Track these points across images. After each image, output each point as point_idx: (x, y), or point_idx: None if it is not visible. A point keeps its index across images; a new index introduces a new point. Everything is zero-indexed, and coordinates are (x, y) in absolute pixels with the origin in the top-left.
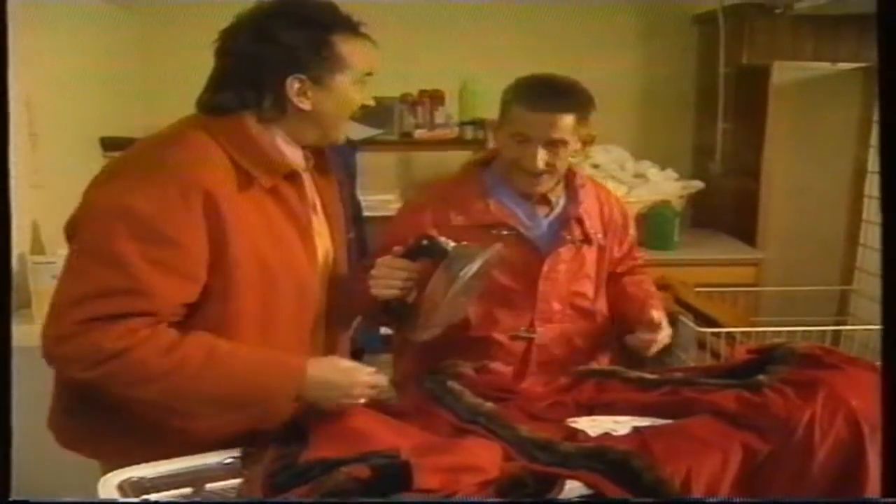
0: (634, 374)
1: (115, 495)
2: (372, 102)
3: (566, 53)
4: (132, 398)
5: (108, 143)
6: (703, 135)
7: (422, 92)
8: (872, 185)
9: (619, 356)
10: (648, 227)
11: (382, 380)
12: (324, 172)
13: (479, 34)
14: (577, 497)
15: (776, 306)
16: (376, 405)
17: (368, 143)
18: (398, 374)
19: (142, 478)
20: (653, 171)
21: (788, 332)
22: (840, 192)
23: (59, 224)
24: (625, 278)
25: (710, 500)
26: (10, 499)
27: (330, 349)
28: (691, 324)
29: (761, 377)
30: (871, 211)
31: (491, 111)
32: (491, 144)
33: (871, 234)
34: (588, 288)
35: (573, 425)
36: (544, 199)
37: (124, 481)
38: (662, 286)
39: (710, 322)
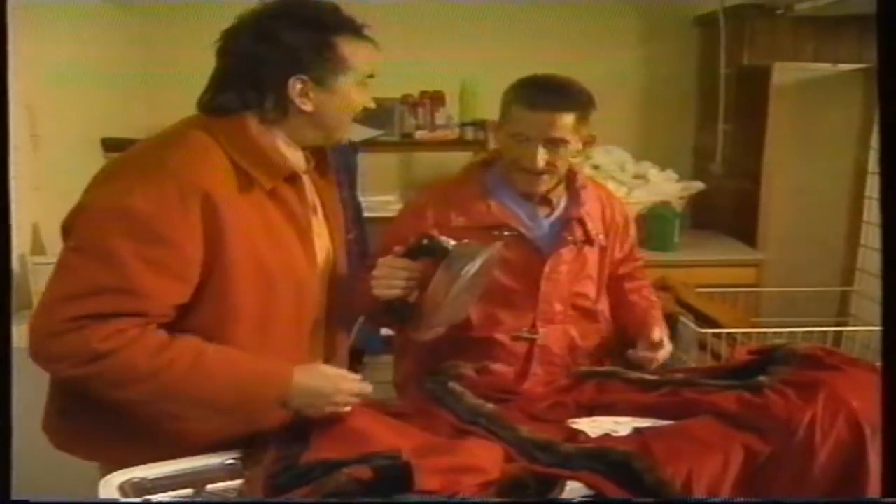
0: (635, 374)
1: (116, 496)
2: (373, 104)
3: (567, 54)
4: (116, 399)
5: (110, 144)
6: (703, 136)
7: (422, 93)
8: (873, 186)
9: (619, 357)
10: (649, 228)
11: (367, 388)
12: (324, 174)
13: (480, 35)
14: (578, 498)
15: (777, 307)
16: (377, 406)
17: (369, 144)
18: (399, 375)
19: (142, 479)
20: (653, 172)
21: (789, 332)
22: (841, 193)
23: (59, 225)
24: (626, 284)
25: (712, 500)
26: (10, 499)
27: (330, 351)
28: (692, 325)
29: (762, 378)
30: (872, 212)
31: (491, 112)
32: (491, 145)
33: (872, 235)
34: (590, 289)
35: (574, 426)
36: (546, 200)
37: (125, 482)
38: (663, 287)
39: (711, 323)
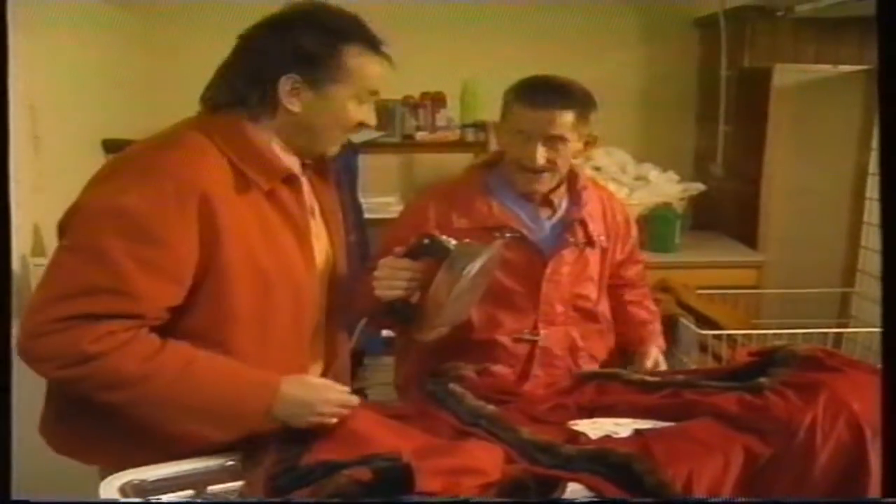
0: (636, 376)
1: (117, 498)
2: (373, 122)
3: (567, 55)
4: (103, 401)
5: (111, 146)
6: (704, 137)
7: (423, 94)
8: (874, 188)
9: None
10: (650, 230)
11: (353, 400)
12: (323, 176)
13: (481, 36)
14: (579, 499)
15: (777, 308)
16: (377, 408)
17: (370, 146)
18: (400, 376)
19: (143, 480)
20: (654, 174)
21: (790, 334)
22: (841, 194)
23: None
24: (627, 295)
25: (712, 500)
26: (10, 499)
27: (331, 353)
28: (692, 326)
29: (763, 380)
30: (873, 213)
31: (492, 114)
32: (492, 147)
33: (873, 236)
34: (591, 290)
35: (574, 428)
36: (547, 202)
37: (126, 484)
38: (664, 288)
39: (712, 324)
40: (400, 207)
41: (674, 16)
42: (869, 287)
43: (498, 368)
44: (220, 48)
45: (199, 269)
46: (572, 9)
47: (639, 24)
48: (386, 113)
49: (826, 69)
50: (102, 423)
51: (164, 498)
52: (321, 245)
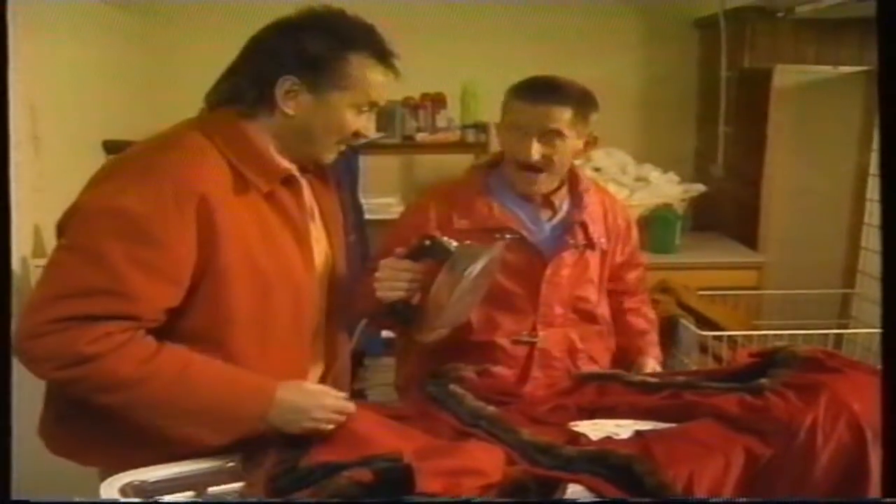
0: (636, 377)
1: (117, 498)
2: (370, 133)
3: (568, 56)
4: (98, 403)
5: (111, 147)
6: (704, 138)
7: (423, 95)
8: (874, 188)
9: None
10: (650, 231)
11: (350, 406)
12: (323, 178)
13: (481, 38)
14: (580, 500)
15: (778, 309)
16: (378, 408)
17: (370, 147)
18: (400, 377)
19: (143, 481)
20: (654, 175)
21: (790, 335)
22: (842, 195)
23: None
24: (625, 303)
25: (713, 500)
26: (10, 499)
27: (331, 354)
28: (693, 327)
29: (763, 381)
30: (873, 214)
31: (493, 114)
32: (493, 147)
33: (873, 237)
34: (591, 292)
35: (575, 429)
36: (548, 203)
37: (126, 485)
38: (664, 289)
39: (712, 325)
40: (400, 208)
41: (674, 16)
42: (869, 288)
43: (498, 370)
44: (219, 49)
45: (197, 271)
46: (572, 10)
47: (639, 25)
48: (386, 114)
49: (826, 70)
50: (101, 425)
51: (165, 499)
52: (321, 247)
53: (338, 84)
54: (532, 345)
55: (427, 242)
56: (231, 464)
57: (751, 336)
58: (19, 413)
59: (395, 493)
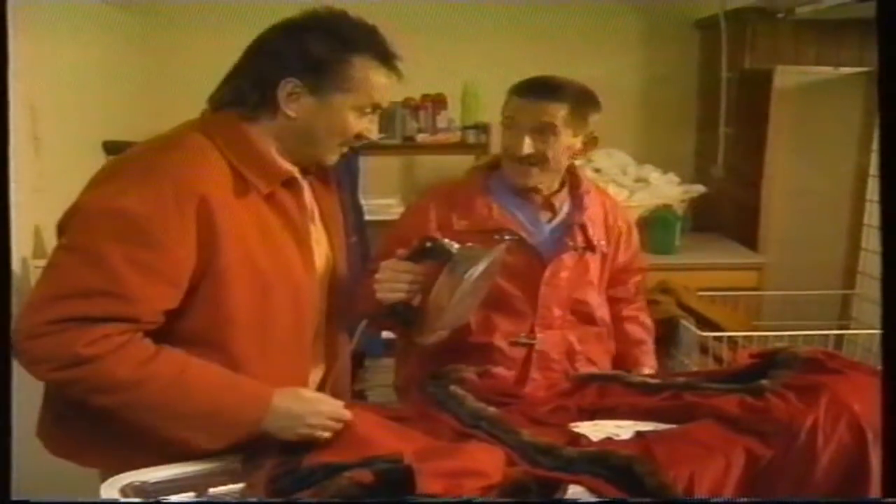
0: (637, 378)
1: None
2: (373, 135)
3: (568, 57)
4: (94, 405)
5: (111, 147)
6: (705, 139)
7: (424, 96)
8: (874, 189)
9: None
10: (650, 232)
11: (346, 414)
12: (324, 180)
13: (482, 38)
14: (581, 501)
15: (778, 310)
16: (378, 410)
17: (370, 147)
18: (400, 378)
19: (144, 482)
20: (655, 176)
21: (790, 336)
22: (842, 196)
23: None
24: (623, 311)
25: (713, 500)
26: (10, 499)
27: (332, 355)
28: (693, 328)
29: (764, 382)
30: (873, 214)
31: (493, 115)
32: (493, 148)
33: (873, 238)
34: (591, 295)
35: (575, 430)
36: (548, 205)
37: (127, 485)
38: (664, 290)
39: (713, 326)
40: (401, 209)
41: (674, 17)
42: (869, 289)
43: (499, 370)
44: (219, 49)
45: (196, 272)
46: (573, 10)
47: (639, 26)
48: (387, 115)
49: (827, 71)
50: (100, 426)
51: (165, 500)
52: (321, 248)
53: (340, 86)
54: (530, 347)
55: (428, 244)
56: (232, 465)
57: (751, 337)
58: (19, 413)
59: (396, 494)
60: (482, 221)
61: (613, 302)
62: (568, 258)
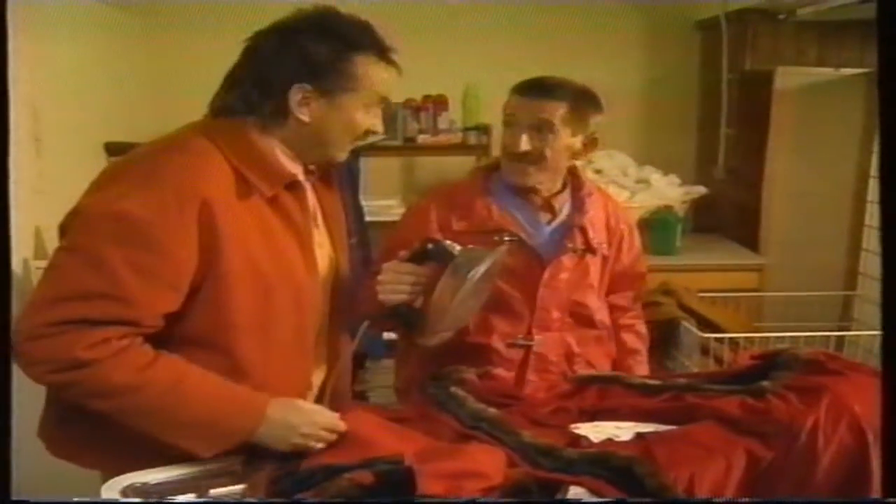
0: (637, 379)
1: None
2: (380, 129)
3: (569, 59)
4: (90, 408)
5: (113, 149)
6: (705, 140)
7: (425, 97)
8: (875, 190)
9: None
10: (651, 233)
11: (340, 425)
12: (326, 182)
13: (482, 39)
14: (581, 502)
15: (779, 311)
16: (379, 411)
17: (371, 148)
18: (401, 379)
19: (145, 483)
20: (656, 177)
21: (791, 337)
22: (843, 197)
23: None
24: (620, 319)
25: (714, 500)
26: (10, 499)
27: (333, 357)
28: (694, 329)
29: (765, 383)
30: (874, 216)
31: (494, 116)
32: (494, 150)
33: (874, 239)
34: (590, 298)
35: (576, 431)
36: (548, 206)
37: (128, 486)
38: (665, 291)
39: (714, 327)
40: (401, 210)
41: (675, 18)
42: (870, 290)
43: (499, 372)
44: (220, 50)
45: (198, 275)
46: (573, 10)
47: (640, 27)
48: (388, 116)
49: (828, 72)
50: (101, 428)
51: (166, 501)
52: (324, 251)
53: (346, 86)
54: (528, 348)
55: (430, 246)
56: (233, 466)
57: (752, 338)
58: (20, 414)
59: (397, 495)
60: (482, 222)
61: (611, 310)
62: (567, 260)
